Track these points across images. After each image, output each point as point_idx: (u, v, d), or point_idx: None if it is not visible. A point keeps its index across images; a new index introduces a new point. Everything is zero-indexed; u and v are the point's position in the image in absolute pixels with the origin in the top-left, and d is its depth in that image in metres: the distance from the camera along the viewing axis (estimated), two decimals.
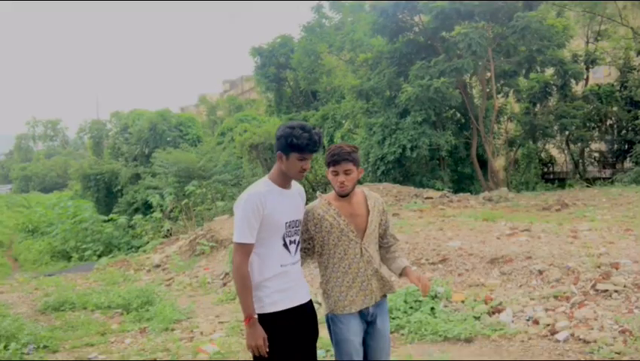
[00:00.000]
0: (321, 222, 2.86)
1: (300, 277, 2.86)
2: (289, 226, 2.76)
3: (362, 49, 18.57)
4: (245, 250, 2.67)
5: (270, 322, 2.69)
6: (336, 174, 2.78)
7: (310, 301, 2.92)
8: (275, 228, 2.70)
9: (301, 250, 2.88)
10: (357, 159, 2.82)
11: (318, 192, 3.05)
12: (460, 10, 13.93)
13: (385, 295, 2.99)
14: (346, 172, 2.77)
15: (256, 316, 2.65)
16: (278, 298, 2.73)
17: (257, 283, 2.70)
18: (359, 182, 2.95)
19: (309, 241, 2.93)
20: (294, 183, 2.87)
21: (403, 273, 2.94)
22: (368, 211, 2.89)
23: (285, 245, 2.76)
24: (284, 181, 2.77)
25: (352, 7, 22.11)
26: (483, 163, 15.48)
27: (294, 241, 2.80)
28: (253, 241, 2.68)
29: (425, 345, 4.75)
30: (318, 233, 2.88)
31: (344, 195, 2.82)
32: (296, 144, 2.62)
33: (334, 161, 2.77)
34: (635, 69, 16.35)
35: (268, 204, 2.67)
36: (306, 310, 2.85)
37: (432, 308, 5.32)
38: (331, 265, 2.89)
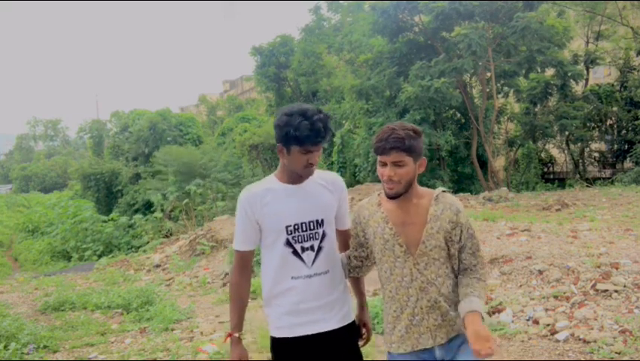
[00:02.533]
0: (367, 228, 2.23)
1: (328, 293, 2.26)
2: (295, 229, 2.22)
3: (361, 49, 18.58)
4: (239, 257, 2.31)
5: (278, 349, 2.27)
6: (383, 165, 2.09)
7: (348, 326, 2.31)
8: (275, 233, 2.23)
9: (354, 258, 2.31)
10: (414, 147, 2.07)
11: (377, 191, 2.32)
12: (460, 10, 13.94)
13: (457, 335, 2.14)
14: (396, 164, 2.07)
15: (237, 334, 2.28)
16: (289, 322, 2.24)
17: (266, 299, 2.31)
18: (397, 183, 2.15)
19: (361, 249, 2.29)
20: (322, 173, 2.36)
21: (464, 320, 2.04)
22: (430, 219, 2.12)
23: (296, 253, 2.23)
24: (290, 176, 2.25)
25: (350, 8, 22.14)
26: (483, 163, 15.49)
27: (311, 247, 2.24)
28: (247, 248, 2.29)
29: None
30: (366, 240, 2.26)
31: (393, 197, 2.11)
32: (295, 136, 2.11)
33: (379, 148, 2.07)
34: (635, 69, 16.35)
35: (263, 206, 2.23)
36: (338, 339, 2.26)
37: None
38: (381, 284, 2.24)
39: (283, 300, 2.25)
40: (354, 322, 2.37)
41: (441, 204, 2.16)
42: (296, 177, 2.25)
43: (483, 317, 2.05)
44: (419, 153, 2.11)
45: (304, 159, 2.17)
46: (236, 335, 2.28)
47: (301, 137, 2.11)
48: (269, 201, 2.23)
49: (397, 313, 2.16)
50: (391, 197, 2.11)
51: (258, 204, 2.23)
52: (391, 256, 2.15)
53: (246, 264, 2.32)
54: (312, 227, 2.25)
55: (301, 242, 2.24)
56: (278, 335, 2.26)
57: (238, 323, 2.30)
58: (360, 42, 19.18)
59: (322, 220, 2.26)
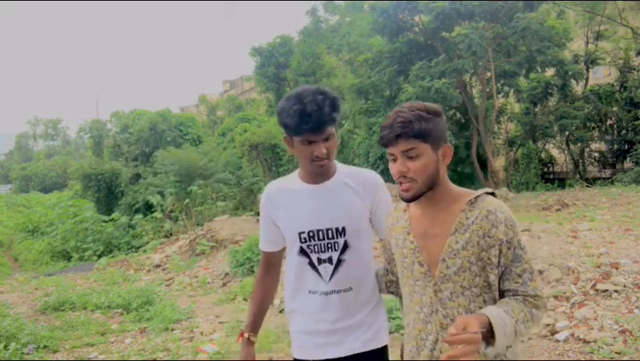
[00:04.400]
0: (391, 239, 1.80)
1: (351, 315, 1.92)
2: (310, 237, 1.90)
3: (359, 50, 18.60)
4: (262, 257, 2.11)
5: None
6: (392, 159, 1.62)
7: (377, 351, 1.97)
8: (290, 238, 1.96)
9: (390, 272, 1.93)
10: (429, 131, 1.58)
11: None
12: (460, 10, 13.93)
13: None
14: (408, 155, 1.57)
15: (247, 335, 2.06)
16: (304, 342, 1.98)
17: (288, 311, 2.07)
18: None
19: (393, 263, 1.88)
20: (353, 171, 2.00)
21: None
22: (456, 230, 1.60)
23: (312, 264, 1.92)
24: (307, 174, 1.94)
25: (348, 8, 22.16)
26: (483, 163, 15.49)
27: (329, 259, 1.90)
28: (269, 249, 2.06)
29: None
30: (392, 254, 1.83)
31: (409, 200, 1.62)
32: (288, 125, 1.81)
33: (384, 138, 1.62)
34: (635, 69, 16.36)
35: (278, 208, 1.97)
36: None
37: None
38: (402, 315, 1.83)
39: (300, 317, 2.00)
40: (386, 346, 1.99)
41: (477, 210, 1.58)
42: (314, 175, 1.93)
43: (494, 334, 1.42)
44: (438, 137, 1.59)
45: (308, 152, 1.83)
46: (246, 335, 2.06)
47: (294, 124, 1.78)
48: (284, 203, 1.96)
49: (414, 354, 1.69)
50: (407, 200, 1.62)
51: (274, 205, 1.98)
52: (410, 278, 1.67)
53: (270, 265, 2.09)
54: (330, 236, 1.90)
55: (317, 252, 1.92)
56: (295, 355, 2.01)
57: (250, 323, 2.08)
58: (358, 43, 19.19)
59: (343, 229, 1.89)
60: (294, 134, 1.83)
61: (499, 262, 1.57)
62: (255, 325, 2.09)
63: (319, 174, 1.91)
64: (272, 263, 2.09)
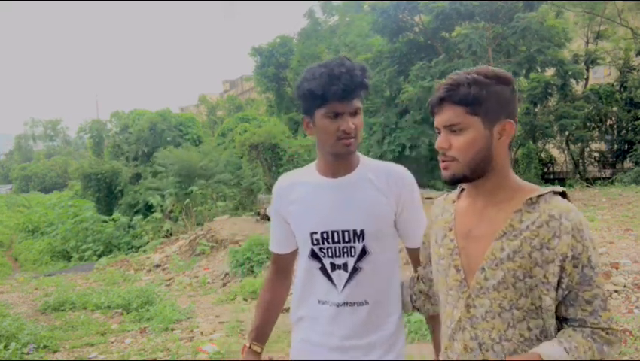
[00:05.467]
0: (431, 230, 1.52)
1: (364, 333, 1.64)
2: (324, 239, 1.64)
3: (357, 50, 18.61)
4: (272, 259, 1.88)
5: None
6: (438, 132, 1.37)
7: None
8: (301, 239, 1.71)
9: (422, 279, 1.65)
10: (480, 99, 1.28)
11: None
12: (460, 10, 13.94)
13: None
14: (450, 128, 1.32)
15: (248, 344, 1.79)
16: (305, 351, 1.72)
17: (293, 320, 1.80)
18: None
19: (430, 266, 1.57)
20: (378, 165, 1.70)
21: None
22: (504, 233, 1.29)
23: (324, 270, 1.66)
24: (326, 164, 1.66)
25: (345, 9, 22.16)
26: None
27: (344, 266, 1.64)
28: (279, 251, 1.82)
29: (425, 345, 4.74)
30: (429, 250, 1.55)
31: (449, 181, 1.35)
32: (312, 93, 1.55)
33: (429, 104, 1.37)
34: (635, 69, 16.37)
35: (290, 203, 1.71)
36: None
37: None
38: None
39: (307, 326, 1.72)
40: None
41: (537, 212, 1.26)
42: (331, 166, 1.65)
43: None
44: (495, 109, 1.28)
45: (334, 127, 1.55)
46: (248, 344, 1.79)
47: (320, 90, 1.54)
48: (297, 198, 1.70)
49: None
50: (447, 181, 1.34)
51: (285, 200, 1.73)
52: (444, 285, 1.39)
53: (279, 269, 1.84)
54: (346, 239, 1.63)
55: (331, 257, 1.65)
56: (292, 357, 1.78)
57: (254, 329, 1.81)
58: (356, 43, 19.21)
59: (362, 232, 1.62)
60: (319, 105, 1.56)
61: (560, 282, 1.24)
62: (259, 334, 1.80)
63: (344, 155, 1.61)
64: (281, 267, 1.83)
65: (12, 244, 24.11)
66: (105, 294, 7.57)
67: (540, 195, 1.29)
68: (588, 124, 16.50)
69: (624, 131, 16.54)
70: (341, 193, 1.64)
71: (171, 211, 16.79)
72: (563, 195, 1.31)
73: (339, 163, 1.64)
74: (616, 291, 5.03)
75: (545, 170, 17.94)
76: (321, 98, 1.55)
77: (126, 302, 7.00)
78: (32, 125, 69.38)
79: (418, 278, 1.66)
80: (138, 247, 15.36)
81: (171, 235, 14.79)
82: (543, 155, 17.72)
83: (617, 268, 5.39)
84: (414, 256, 1.71)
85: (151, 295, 7.18)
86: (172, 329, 5.90)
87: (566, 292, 1.25)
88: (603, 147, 17.85)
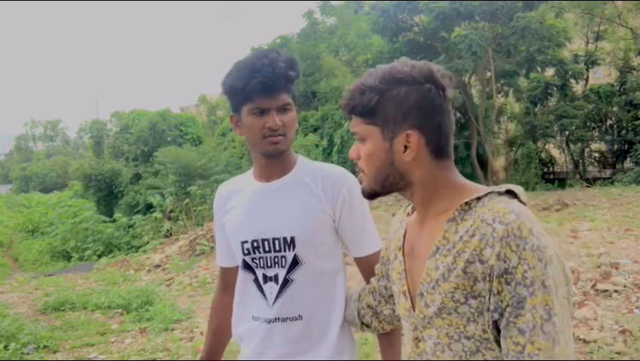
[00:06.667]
0: (389, 247, 1.33)
1: (298, 353, 1.49)
2: (255, 248, 1.50)
3: (357, 51, 18.64)
4: (220, 274, 1.73)
5: None
6: None
7: None
8: (234, 249, 1.58)
9: (372, 292, 1.45)
10: (371, 109, 1.11)
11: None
12: (460, 11, 13.95)
13: None
14: (356, 137, 1.17)
15: None
16: None
17: (235, 339, 1.66)
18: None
19: (384, 280, 1.39)
20: (316, 167, 1.55)
21: None
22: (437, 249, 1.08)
23: (257, 282, 1.52)
24: (260, 168, 1.54)
25: (344, 10, 22.16)
26: (483, 163, 15.50)
27: (275, 277, 1.49)
28: (221, 263, 1.70)
29: None
30: (387, 270, 1.37)
31: (367, 197, 1.19)
32: (233, 88, 1.45)
33: None
34: (634, 69, 16.38)
35: (225, 212, 1.60)
36: None
37: None
38: None
39: (244, 349, 1.58)
40: None
41: (471, 219, 1.02)
42: (267, 168, 1.52)
43: None
44: (393, 119, 1.08)
45: (260, 124, 1.42)
46: None
47: (240, 84, 1.42)
48: (232, 206, 1.58)
49: None
50: (364, 196, 1.18)
51: (222, 210, 1.61)
52: (401, 310, 1.20)
53: (226, 284, 1.67)
54: (276, 247, 1.47)
55: (263, 267, 1.50)
56: None
57: (206, 350, 1.71)
58: (355, 43, 19.23)
59: (292, 240, 1.46)
60: (242, 102, 1.44)
61: (489, 304, 0.98)
62: (212, 353, 1.71)
63: (274, 155, 1.47)
64: (229, 282, 1.65)
65: (12, 244, 24.12)
66: (105, 294, 7.57)
67: (479, 198, 1.05)
68: (588, 124, 16.51)
69: (624, 131, 16.55)
70: (273, 199, 1.50)
71: (171, 211, 16.79)
72: (511, 193, 1.06)
73: (272, 165, 1.51)
74: (616, 291, 5.04)
75: (545, 170, 17.95)
76: (241, 93, 1.43)
77: (126, 302, 7.00)
78: (31, 125, 69.44)
79: (368, 291, 1.44)
80: (138, 247, 15.36)
81: (171, 235, 14.80)
82: (543, 155, 17.73)
83: (617, 268, 5.40)
84: (362, 265, 1.54)
85: (151, 295, 7.18)
86: (172, 329, 5.90)
87: (495, 317, 0.98)
88: (603, 147, 17.86)
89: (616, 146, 17.07)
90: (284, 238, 1.47)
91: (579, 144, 16.88)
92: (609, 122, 16.96)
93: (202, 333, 5.70)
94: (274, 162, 1.51)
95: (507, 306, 0.96)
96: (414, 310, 1.11)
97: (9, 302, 7.62)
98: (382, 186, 1.13)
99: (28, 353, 5.13)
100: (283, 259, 1.47)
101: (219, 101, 40.49)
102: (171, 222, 15.93)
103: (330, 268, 1.51)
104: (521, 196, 1.07)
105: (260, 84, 1.39)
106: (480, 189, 1.09)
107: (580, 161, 17.30)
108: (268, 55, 1.43)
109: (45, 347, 5.35)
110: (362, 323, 1.47)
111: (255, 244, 1.49)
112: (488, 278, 0.97)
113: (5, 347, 5.09)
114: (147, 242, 14.93)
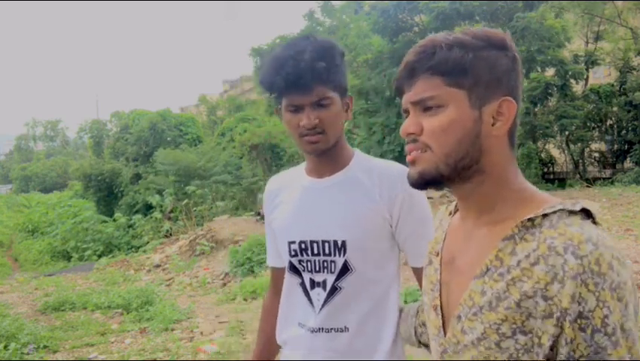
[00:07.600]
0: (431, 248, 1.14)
1: None
2: (302, 250, 1.37)
3: (357, 51, 18.64)
4: (270, 276, 1.60)
5: None
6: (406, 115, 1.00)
7: None
8: (281, 250, 1.46)
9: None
10: (454, 62, 0.89)
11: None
12: (460, 11, 13.96)
13: None
14: (424, 105, 0.94)
15: None
16: None
17: (279, 343, 1.52)
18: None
19: None
20: (372, 163, 1.41)
21: None
22: (486, 270, 0.86)
23: (304, 287, 1.39)
24: (311, 163, 1.42)
25: (344, 10, 22.17)
26: None
27: (323, 283, 1.36)
28: (271, 263, 1.56)
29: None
30: None
31: (419, 183, 0.93)
32: (265, 84, 1.35)
33: (399, 83, 1.03)
34: (634, 69, 16.38)
35: (274, 208, 1.48)
36: None
37: None
38: None
39: (288, 356, 1.46)
40: None
41: (535, 241, 0.83)
42: (316, 163, 1.39)
43: None
44: (486, 83, 0.90)
45: (295, 122, 1.30)
46: None
47: (269, 82, 1.31)
48: (280, 202, 1.46)
49: None
50: (414, 182, 0.94)
51: (270, 206, 1.49)
52: (429, 324, 1.01)
53: (277, 286, 1.52)
54: (326, 251, 1.34)
55: (311, 271, 1.37)
56: None
57: (256, 349, 1.59)
58: (355, 44, 19.23)
59: (343, 243, 1.32)
60: (278, 98, 1.34)
61: (556, 350, 0.80)
62: (262, 351, 1.58)
63: (312, 152, 1.34)
64: (275, 281, 1.55)
65: (12, 244, 24.12)
66: (105, 294, 7.57)
67: (545, 215, 0.84)
68: (588, 124, 16.51)
69: (624, 132, 16.55)
70: (324, 197, 1.36)
71: (171, 211, 16.80)
72: (587, 213, 0.87)
73: (322, 162, 1.37)
74: None
75: (545, 170, 17.95)
76: (270, 90, 1.32)
77: (126, 302, 7.00)
78: (32, 125, 69.47)
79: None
80: (138, 247, 15.37)
81: (171, 235, 14.80)
82: (543, 155, 17.73)
83: None
84: (419, 277, 1.31)
85: (151, 295, 7.19)
86: (172, 329, 5.90)
87: (570, 345, 0.79)
88: (603, 147, 17.86)
89: (616, 146, 17.07)
90: (335, 242, 1.33)
91: (579, 144, 16.88)
92: (609, 122, 16.95)
93: (202, 333, 5.70)
94: (323, 159, 1.37)
95: (580, 357, 0.79)
96: (444, 331, 0.94)
97: (9, 302, 7.63)
98: (454, 168, 0.89)
99: (28, 353, 5.14)
100: (332, 264, 1.33)
101: (219, 101, 40.51)
102: (171, 223, 15.93)
103: (383, 277, 1.36)
104: (597, 217, 0.88)
105: (284, 81, 1.26)
106: (548, 200, 0.89)
107: (580, 161, 17.30)
108: (296, 45, 1.29)
109: (45, 347, 5.35)
110: (419, 342, 1.28)
111: (303, 246, 1.36)
112: (556, 322, 0.79)
113: (5, 347, 5.09)
114: (147, 242, 14.94)
